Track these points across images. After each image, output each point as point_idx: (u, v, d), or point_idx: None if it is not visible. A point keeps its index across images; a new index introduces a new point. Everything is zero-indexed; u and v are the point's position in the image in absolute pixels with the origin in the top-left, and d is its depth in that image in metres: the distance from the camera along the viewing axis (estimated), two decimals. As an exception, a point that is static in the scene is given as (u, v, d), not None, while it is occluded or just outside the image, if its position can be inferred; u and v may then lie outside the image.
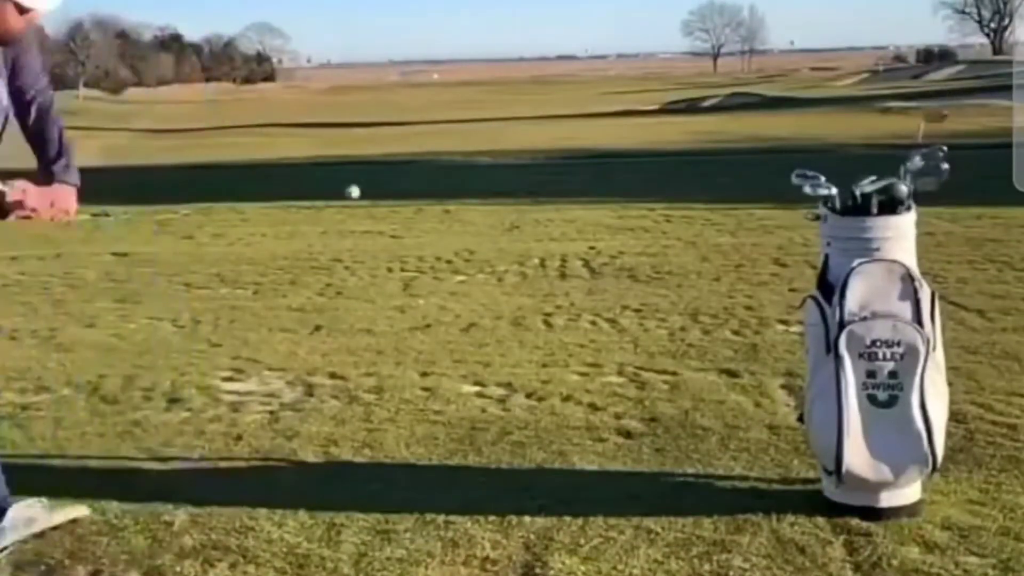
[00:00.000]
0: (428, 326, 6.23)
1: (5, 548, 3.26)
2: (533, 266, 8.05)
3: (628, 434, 4.27)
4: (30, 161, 3.23)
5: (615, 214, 10.60)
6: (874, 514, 3.35)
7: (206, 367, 5.29)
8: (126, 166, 20.90)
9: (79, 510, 3.49)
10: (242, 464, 4.09)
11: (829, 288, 3.39)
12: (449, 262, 8.30)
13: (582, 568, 3.13)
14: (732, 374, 5.06)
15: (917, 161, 3.50)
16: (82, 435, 4.38)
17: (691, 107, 40.99)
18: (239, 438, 4.34)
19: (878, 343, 3.29)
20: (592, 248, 8.70)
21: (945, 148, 3.59)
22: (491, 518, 3.44)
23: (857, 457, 3.31)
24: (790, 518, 3.37)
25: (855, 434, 3.31)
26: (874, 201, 3.43)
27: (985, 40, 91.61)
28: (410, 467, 4.01)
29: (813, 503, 3.47)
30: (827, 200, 3.50)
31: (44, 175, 3.22)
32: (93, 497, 3.60)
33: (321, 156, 19.64)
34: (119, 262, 8.71)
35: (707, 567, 3.11)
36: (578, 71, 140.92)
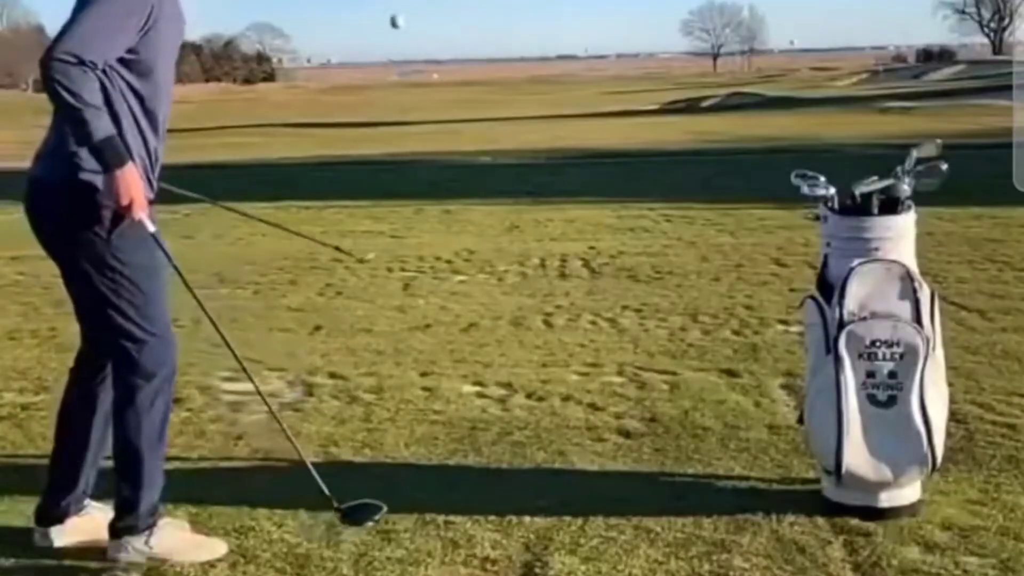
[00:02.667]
0: (428, 326, 6.23)
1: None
2: (533, 266, 8.05)
3: (628, 434, 4.27)
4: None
5: (615, 214, 10.60)
6: (874, 514, 3.35)
7: (206, 367, 5.29)
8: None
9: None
10: (242, 464, 4.09)
11: (829, 288, 3.40)
12: (449, 262, 8.30)
13: (582, 568, 3.13)
14: (732, 374, 5.06)
15: (915, 161, 3.51)
16: (82, 435, 4.37)
17: (691, 107, 40.91)
18: (239, 438, 4.34)
19: (878, 343, 3.29)
20: (592, 248, 8.70)
21: (939, 140, 3.62)
22: (491, 518, 3.44)
23: (857, 457, 3.32)
24: (790, 518, 3.37)
25: (855, 434, 3.31)
26: (874, 201, 3.44)
27: (985, 40, 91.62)
28: (410, 467, 4.02)
29: (813, 503, 3.48)
30: (827, 200, 3.51)
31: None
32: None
33: (321, 156, 19.61)
34: (119, 262, 8.69)
35: (707, 567, 3.11)
36: (578, 71, 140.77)
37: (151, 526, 3.18)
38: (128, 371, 3.15)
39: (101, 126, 2.89)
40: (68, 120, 2.92)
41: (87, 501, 3.32)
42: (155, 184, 3.21)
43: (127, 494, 3.18)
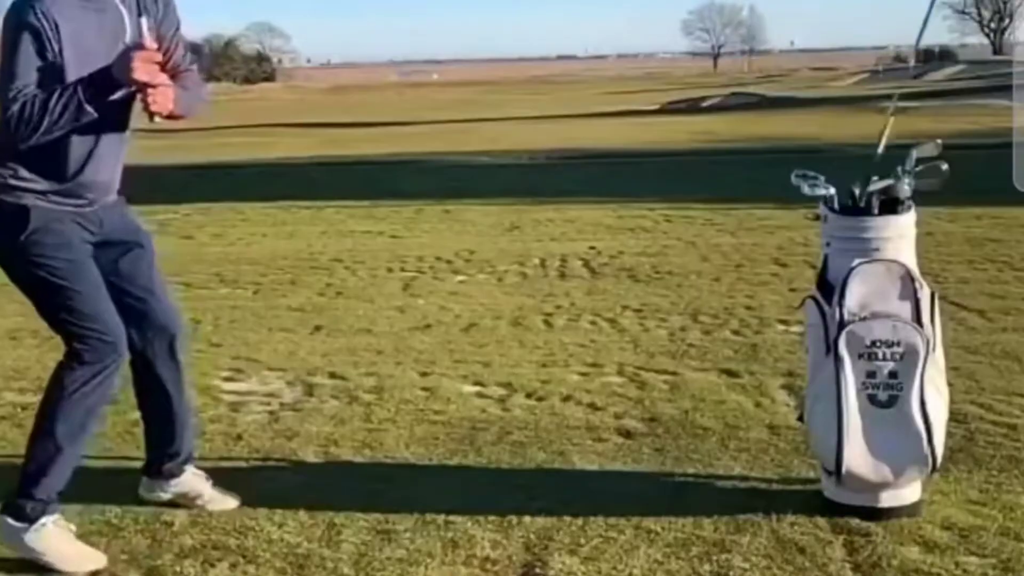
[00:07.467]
0: (428, 326, 6.24)
1: None
2: (533, 266, 8.05)
3: (628, 434, 4.27)
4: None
5: (615, 214, 10.59)
6: (874, 514, 3.35)
7: (206, 367, 5.29)
8: (126, 166, 20.80)
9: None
10: (242, 464, 4.09)
11: (829, 288, 3.40)
12: (449, 262, 8.30)
13: (582, 568, 3.13)
14: (732, 374, 5.06)
15: (915, 161, 3.51)
16: (82, 435, 4.37)
17: (691, 107, 40.84)
18: (239, 438, 4.34)
19: (878, 343, 3.29)
20: (592, 248, 8.69)
21: (939, 140, 3.62)
22: (491, 518, 3.44)
23: (857, 457, 3.32)
24: (790, 518, 3.37)
25: (855, 434, 3.31)
26: (874, 201, 3.44)
27: (985, 40, 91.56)
28: (410, 467, 4.02)
29: (813, 503, 3.48)
30: (827, 200, 3.51)
31: None
32: (93, 497, 3.60)
33: (321, 156, 19.59)
34: (119, 262, 8.68)
35: (707, 567, 3.11)
36: (578, 71, 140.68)
37: (35, 519, 3.18)
38: (69, 356, 3.19)
39: (69, 104, 2.90)
40: (58, 136, 2.97)
41: (188, 467, 3.59)
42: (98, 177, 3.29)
43: (28, 472, 3.21)
